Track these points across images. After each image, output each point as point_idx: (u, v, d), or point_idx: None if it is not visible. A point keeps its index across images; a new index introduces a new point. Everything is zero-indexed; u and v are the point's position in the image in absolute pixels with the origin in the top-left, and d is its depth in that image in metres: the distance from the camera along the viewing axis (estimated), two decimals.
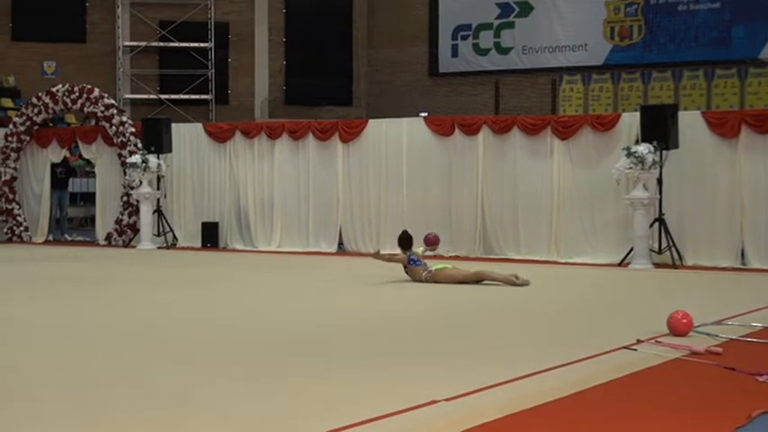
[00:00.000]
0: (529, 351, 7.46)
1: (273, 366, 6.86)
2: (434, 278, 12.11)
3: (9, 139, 19.78)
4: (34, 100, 19.80)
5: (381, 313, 9.75)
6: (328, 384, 6.26)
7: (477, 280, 12.03)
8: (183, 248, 18.18)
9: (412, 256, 12.47)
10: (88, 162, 21.03)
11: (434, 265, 12.35)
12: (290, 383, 6.25)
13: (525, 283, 11.86)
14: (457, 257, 15.75)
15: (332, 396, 5.92)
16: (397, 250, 12.79)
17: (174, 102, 26.72)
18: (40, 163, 19.93)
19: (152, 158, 17.89)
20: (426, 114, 19.17)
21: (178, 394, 5.94)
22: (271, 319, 9.29)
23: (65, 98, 19.44)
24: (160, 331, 8.52)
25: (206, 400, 5.76)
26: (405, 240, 12.67)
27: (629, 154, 14.20)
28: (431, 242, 12.98)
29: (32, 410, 5.59)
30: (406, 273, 12.46)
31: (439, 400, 5.67)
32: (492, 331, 8.58)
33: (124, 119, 19.11)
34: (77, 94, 19.32)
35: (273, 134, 18.02)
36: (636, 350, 7.34)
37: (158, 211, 18.38)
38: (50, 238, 20.03)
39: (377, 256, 12.78)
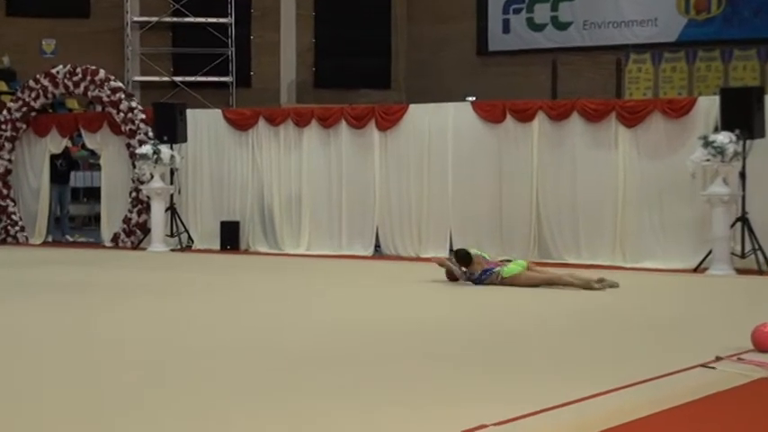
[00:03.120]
0: (591, 369, 7.44)
1: (303, 385, 6.87)
2: (503, 284, 12.43)
3: (3, 127, 19.92)
4: (31, 83, 19.95)
5: (426, 324, 9.74)
6: (364, 405, 6.27)
7: (548, 284, 12.34)
8: (199, 251, 18.27)
9: (473, 275, 12.70)
10: (92, 153, 21.17)
11: (504, 270, 12.53)
12: (321, 405, 6.26)
13: (613, 285, 12.24)
14: (508, 261, 15.71)
15: (369, 419, 5.93)
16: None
17: (190, 85, 26.83)
18: (37, 154, 20.06)
19: (164, 149, 17.97)
20: (474, 99, 19.18)
21: (196, 416, 5.97)
22: (299, 331, 9.30)
23: (66, 81, 19.58)
24: (175, 346, 8.55)
25: (229, 423, 5.78)
26: (462, 257, 12.93)
27: (707, 144, 14.10)
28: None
29: None
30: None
31: (488, 425, 5.66)
32: (550, 345, 8.57)
33: (133, 104, 19.21)
34: (80, 76, 19.46)
35: (301, 121, 18.07)
36: (715, 368, 7.29)
37: (172, 209, 18.48)
38: (49, 239, 20.16)
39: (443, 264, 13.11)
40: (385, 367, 7.54)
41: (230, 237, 18.31)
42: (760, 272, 14.14)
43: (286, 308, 11.07)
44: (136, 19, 27.25)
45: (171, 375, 7.20)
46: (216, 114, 19.10)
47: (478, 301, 11.49)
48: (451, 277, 12.96)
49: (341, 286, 13.31)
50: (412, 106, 17.67)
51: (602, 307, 11.02)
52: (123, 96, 19.20)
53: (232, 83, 27.26)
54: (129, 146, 18.92)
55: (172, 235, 18.42)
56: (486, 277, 12.55)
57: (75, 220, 23.13)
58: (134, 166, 18.64)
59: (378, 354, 8.13)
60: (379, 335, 9.08)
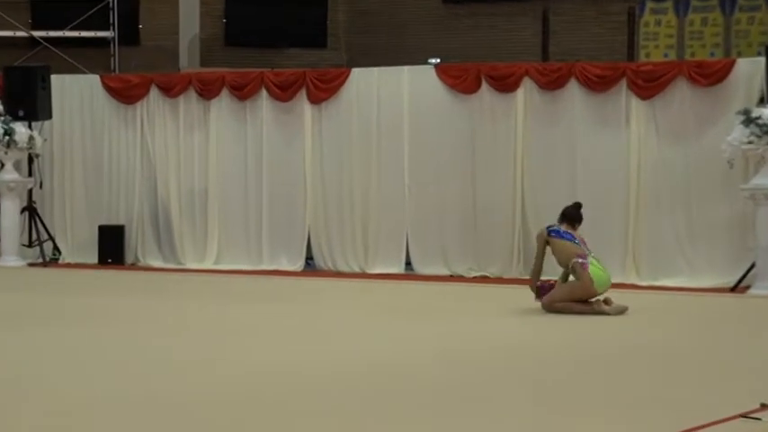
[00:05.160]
0: (606, 418, 7.51)
1: None
2: (579, 276, 12.65)
3: None
4: None
5: (369, 365, 9.76)
6: None
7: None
8: (68, 266, 18.20)
9: (553, 227, 13.01)
10: None
11: (592, 261, 12.78)
12: None
13: (620, 311, 12.51)
14: (485, 279, 15.75)
15: None
16: None
17: (56, 42, 26.64)
18: None
19: (20, 128, 17.85)
20: (438, 61, 19.18)
21: None
22: (203, 380, 9.26)
23: None
24: (32, 397, 8.49)
25: None
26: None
27: (749, 121, 14.20)
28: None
29: None
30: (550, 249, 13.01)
31: None
32: (558, 389, 8.64)
33: None
34: None
35: (208, 92, 18.02)
36: (760, 420, 7.35)
37: (30, 210, 18.36)
38: None
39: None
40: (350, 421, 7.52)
41: (112, 247, 18.23)
42: None
43: (186, 346, 11.00)
44: None
45: None
46: (92, 81, 18.99)
47: (460, 334, 11.54)
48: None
49: (260, 315, 13.25)
50: (355, 71, 17.68)
51: (612, 340, 11.09)
52: None
53: (114, 39, 27.09)
54: None
55: (30, 245, 18.33)
56: (567, 237, 12.90)
57: None
58: None
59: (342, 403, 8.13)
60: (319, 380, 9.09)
